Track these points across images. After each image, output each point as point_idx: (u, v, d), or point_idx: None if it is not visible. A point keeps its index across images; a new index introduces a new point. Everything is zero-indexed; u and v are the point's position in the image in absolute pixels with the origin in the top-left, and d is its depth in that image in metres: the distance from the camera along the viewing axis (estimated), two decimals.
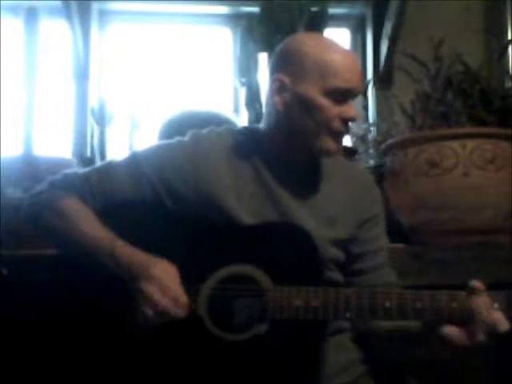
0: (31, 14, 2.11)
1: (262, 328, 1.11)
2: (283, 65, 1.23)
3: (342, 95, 1.18)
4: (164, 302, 1.07)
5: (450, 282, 1.60)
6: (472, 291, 1.08)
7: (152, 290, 1.07)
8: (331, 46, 1.21)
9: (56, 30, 2.72)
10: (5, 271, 1.55)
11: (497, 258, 1.63)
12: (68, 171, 1.30)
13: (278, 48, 1.27)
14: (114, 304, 1.14)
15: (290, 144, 1.25)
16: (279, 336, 1.10)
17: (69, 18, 2.61)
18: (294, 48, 1.22)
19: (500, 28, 2.71)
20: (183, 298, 1.09)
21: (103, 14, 2.86)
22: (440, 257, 1.63)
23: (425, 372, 1.76)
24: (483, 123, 1.74)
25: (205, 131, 1.32)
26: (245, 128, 1.38)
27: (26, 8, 2.53)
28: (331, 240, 1.25)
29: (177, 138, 1.31)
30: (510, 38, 2.65)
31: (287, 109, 1.21)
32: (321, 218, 1.25)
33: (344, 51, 1.21)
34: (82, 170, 1.30)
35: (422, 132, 1.78)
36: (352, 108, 1.20)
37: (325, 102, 1.17)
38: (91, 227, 1.18)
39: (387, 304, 1.09)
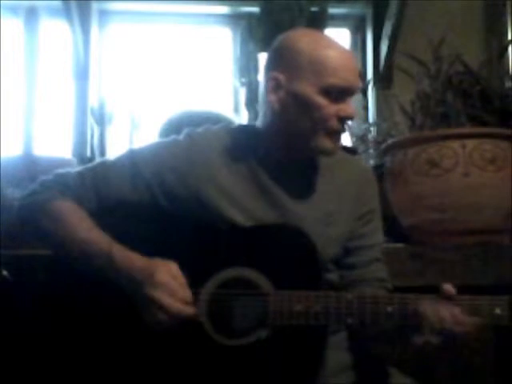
0: (31, 14, 2.11)
1: (263, 334, 1.09)
2: (278, 62, 1.20)
3: (339, 93, 1.16)
4: (175, 305, 1.07)
5: (449, 282, 1.61)
6: (444, 295, 1.08)
7: (160, 296, 1.06)
8: (327, 42, 1.19)
9: (56, 30, 2.72)
10: (5, 271, 1.55)
11: (497, 258, 1.63)
12: (60, 171, 1.26)
13: (273, 45, 1.24)
14: (114, 304, 1.14)
15: (287, 143, 1.23)
16: (279, 341, 1.09)
17: (69, 18, 2.61)
18: (289, 45, 1.19)
19: (500, 28, 2.71)
20: (190, 296, 1.09)
21: (103, 14, 2.86)
22: (440, 257, 1.63)
23: (424, 372, 1.76)
24: (483, 123, 1.74)
25: (200, 130, 1.30)
26: (241, 126, 1.36)
27: (25, 8, 2.54)
28: (331, 238, 1.23)
29: (172, 137, 1.29)
30: (510, 37, 2.66)
31: (283, 107, 1.19)
32: (319, 215, 1.24)
33: (340, 48, 1.19)
34: (75, 170, 1.26)
35: (422, 132, 1.78)
36: (349, 106, 1.17)
37: (321, 100, 1.15)
38: (86, 231, 1.15)
39: (389, 309, 1.08)
